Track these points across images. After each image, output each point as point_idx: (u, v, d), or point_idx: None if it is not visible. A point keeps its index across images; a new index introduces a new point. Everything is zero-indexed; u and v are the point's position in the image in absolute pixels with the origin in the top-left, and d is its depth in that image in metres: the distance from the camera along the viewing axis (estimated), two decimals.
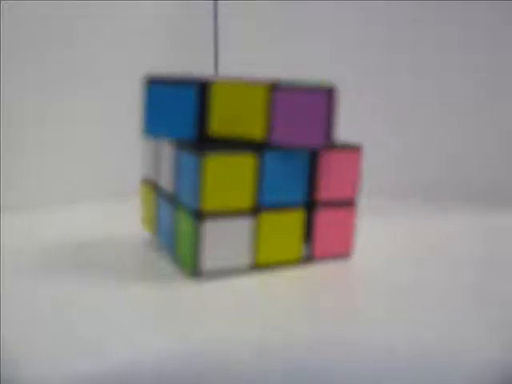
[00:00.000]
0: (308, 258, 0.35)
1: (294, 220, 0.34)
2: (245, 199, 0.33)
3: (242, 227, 0.33)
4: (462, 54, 0.49)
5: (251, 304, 0.30)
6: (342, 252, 0.36)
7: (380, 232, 0.41)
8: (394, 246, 0.39)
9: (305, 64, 0.47)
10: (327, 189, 0.35)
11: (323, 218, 0.35)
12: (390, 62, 0.50)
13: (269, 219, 0.33)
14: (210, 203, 0.32)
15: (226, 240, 0.32)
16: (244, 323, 0.28)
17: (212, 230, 0.32)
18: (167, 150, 0.35)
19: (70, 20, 0.45)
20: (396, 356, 0.25)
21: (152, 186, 0.38)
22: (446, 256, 0.38)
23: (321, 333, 0.27)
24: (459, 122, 0.50)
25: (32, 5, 0.43)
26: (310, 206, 0.34)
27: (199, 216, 0.32)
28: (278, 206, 0.34)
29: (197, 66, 0.45)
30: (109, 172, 0.47)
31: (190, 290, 0.31)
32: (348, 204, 0.36)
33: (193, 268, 0.33)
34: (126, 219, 0.42)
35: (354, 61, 0.50)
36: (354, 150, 0.35)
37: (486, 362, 0.25)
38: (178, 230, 0.34)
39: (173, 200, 0.35)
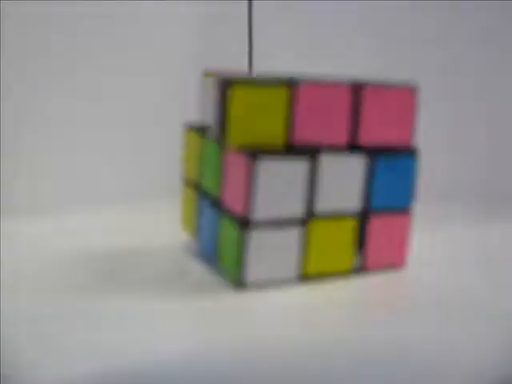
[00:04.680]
0: (360, 269, 0.32)
1: (345, 228, 0.31)
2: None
3: (290, 237, 0.30)
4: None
5: (294, 315, 0.28)
6: (396, 262, 0.33)
7: (436, 240, 0.38)
8: (453, 256, 0.36)
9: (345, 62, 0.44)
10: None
11: (377, 226, 0.32)
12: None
13: (319, 228, 0.31)
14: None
15: (272, 250, 0.30)
16: (284, 334, 0.26)
17: (258, 240, 0.29)
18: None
19: (96, 18, 0.43)
20: (395, 357, 0.24)
21: (194, 186, 0.35)
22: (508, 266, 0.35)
23: (366, 345, 0.25)
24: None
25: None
26: (364, 213, 0.32)
27: (245, 224, 0.29)
28: (331, 215, 0.31)
29: (230, 64, 0.43)
30: (139, 174, 0.45)
31: (231, 301, 0.29)
32: (403, 211, 0.33)
33: (236, 279, 0.30)
34: (159, 224, 0.39)
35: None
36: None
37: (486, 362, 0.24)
38: (222, 237, 0.31)
39: (217, 205, 0.32)
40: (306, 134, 0.30)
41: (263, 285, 0.30)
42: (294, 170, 0.29)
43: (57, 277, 0.31)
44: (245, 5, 0.46)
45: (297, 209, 0.30)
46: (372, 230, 0.32)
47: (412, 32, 0.47)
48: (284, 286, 0.30)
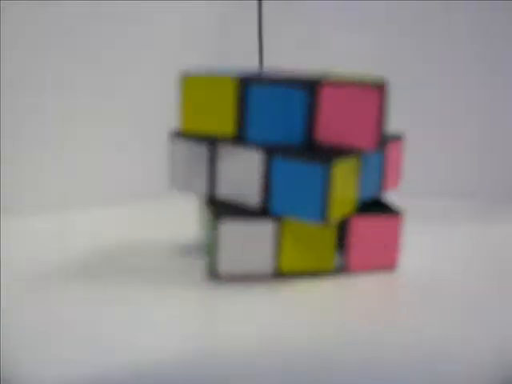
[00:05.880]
0: (342, 269, 0.31)
1: (323, 228, 0.31)
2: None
3: (263, 230, 0.30)
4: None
5: (260, 311, 0.28)
6: (386, 264, 0.32)
7: (429, 240, 0.37)
8: (447, 256, 0.35)
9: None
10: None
11: (360, 225, 0.31)
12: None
13: (293, 224, 0.30)
14: None
15: (245, 243, 0.30)
16: (245, 330, 0.26)
17: (230, 232, 0.29)
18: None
19: (103, 16, 0.44)
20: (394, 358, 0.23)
21: None
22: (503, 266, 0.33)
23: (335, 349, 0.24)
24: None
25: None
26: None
27: (217, 216, 0.30)
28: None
29: (241, 62, 0.43)
30: (140, 173, 0.46)
31: (203, 294, 0.29)
32: (391, 211, 0.32)
33: (211, 270, 0.30)
34: (175, 221, 0.40)
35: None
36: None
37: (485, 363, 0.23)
38: (206, 230, 0.32)
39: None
40: None
41: (239, 278, 0.30)
42: (197, 152, 0.31)
43: (52, 275, 0.32)
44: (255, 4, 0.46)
45: (201, 188, 0.32)
46: (355, 232, 0.31)
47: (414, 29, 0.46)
48: (260, 281, 0.30)
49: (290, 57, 0.43)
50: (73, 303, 0.28)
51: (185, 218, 0.39)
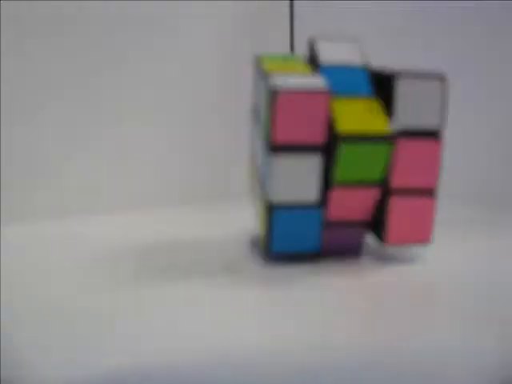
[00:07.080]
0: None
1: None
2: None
3: (311, 163, 0.32)
4: None
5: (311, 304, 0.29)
6: (420, 238, 0.35)
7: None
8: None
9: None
10: (403, 176, 0.34)
11: (399, 204, 0.34)
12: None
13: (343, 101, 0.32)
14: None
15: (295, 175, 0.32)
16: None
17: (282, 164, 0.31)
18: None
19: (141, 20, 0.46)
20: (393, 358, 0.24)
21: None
22: None
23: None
24: None
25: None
26: (385, 191, 0.34)
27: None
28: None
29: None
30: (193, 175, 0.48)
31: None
32: (427, 193, 0.34)
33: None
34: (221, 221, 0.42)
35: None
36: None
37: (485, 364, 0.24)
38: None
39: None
40: None
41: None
42: None
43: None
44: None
45: None
46: (394, 208, 0.34)
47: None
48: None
49: None
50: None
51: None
